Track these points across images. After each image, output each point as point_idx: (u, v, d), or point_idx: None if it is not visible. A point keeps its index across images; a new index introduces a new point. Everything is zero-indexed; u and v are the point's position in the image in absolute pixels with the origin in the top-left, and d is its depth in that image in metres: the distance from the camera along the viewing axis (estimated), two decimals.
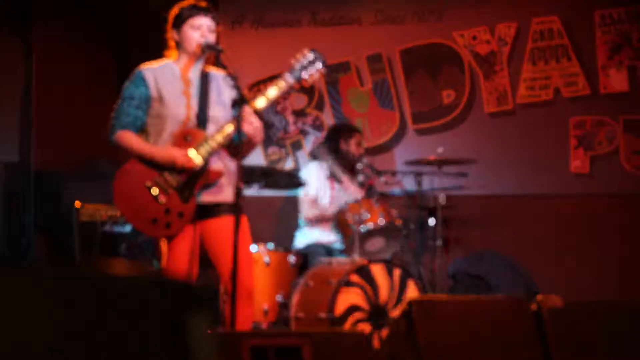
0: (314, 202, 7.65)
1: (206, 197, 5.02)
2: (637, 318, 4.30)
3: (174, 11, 5.12)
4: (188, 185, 4.95)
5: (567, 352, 4.02)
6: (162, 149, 4.95)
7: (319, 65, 5.09)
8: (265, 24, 8.99)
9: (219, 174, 5.01)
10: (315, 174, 7.68)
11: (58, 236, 7.58)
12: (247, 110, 4.83)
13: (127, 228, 7.25)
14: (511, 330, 4.04)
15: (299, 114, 8.98)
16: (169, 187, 4.94)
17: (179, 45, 5.10)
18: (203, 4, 5.12)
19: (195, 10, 5.06)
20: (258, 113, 4.84)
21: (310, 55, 5.08)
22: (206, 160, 4.96)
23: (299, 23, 8.94)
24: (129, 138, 5.00)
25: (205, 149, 4.94)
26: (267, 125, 8.84)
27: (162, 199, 4.93)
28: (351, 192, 7.52)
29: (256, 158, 8.61)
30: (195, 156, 4.93)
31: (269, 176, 7.07)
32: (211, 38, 5.04)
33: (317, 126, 8.92)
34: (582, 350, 4.07)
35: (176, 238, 4.99)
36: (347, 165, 7.70)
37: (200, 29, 5.02)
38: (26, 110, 8.02)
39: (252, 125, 4.89)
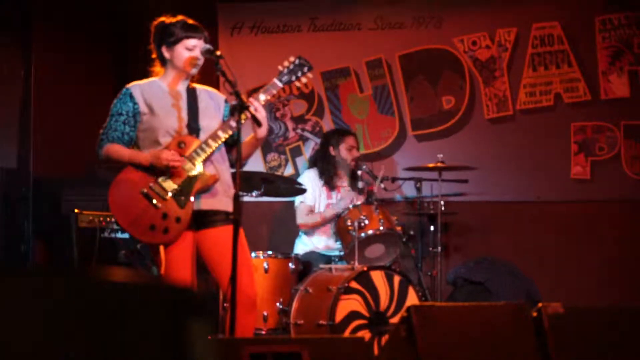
0: (311, 210, 7.65)
1: (202, 204, 5.04)
2: (637, 324, 4.28)
3: (164, 27, 5.13)
4: (184, 190, 4.97)
5: (568, 359, 4.00)
6: (147, 153, 4.99)
7: (305, 69, 5.24)
8: (265, 29, 8.98)
9: (213, 179, 5.03)
10: (310, 182, 7.68)
11: (57, 243, 7.56)
12: (256, 102, 4.92)
13: (126, 234, 7.24)
14: (511, 336, 4.02)
15: (299, 120, 8.97)
16: (165, 192, 4.95)
17: (167, 62, 5.14)
18: (196, 24, 5.15)
19: (190, 32, 5.10)
20: (256, 121, 4.86)
21: (296, 61, 5.23)
22: (200, 166, 4.99)
23: (299, 29, 8.94)
24: (115, 149, 5.06)
25: (198, 153, 4.97)
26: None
27: (159, 204, 4.93)
28: (348, 200, 7.50)
29: (255, 164, 8.60)
30: (188, 167, 4.96)
31: (269, 182, 7.06)
32: (201, 61, 5.11)
33: (317, 132, 8.90)
34: (582, 356, 4.06)
35: (173, 244, 4.99)
36: (337, 170, 7.70)
37: (194, 51, 5.08)
38: (25, 117, 8.01)
39: (260, 115, 4.94)
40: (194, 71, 5.12)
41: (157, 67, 5.20)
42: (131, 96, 5.06)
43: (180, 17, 5.16)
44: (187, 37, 5.06)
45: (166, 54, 5.11)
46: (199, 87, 5.25)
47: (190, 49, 5.06)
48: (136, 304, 1.74)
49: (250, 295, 5.01)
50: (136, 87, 5.12)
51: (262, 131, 5.08)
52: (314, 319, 6.36)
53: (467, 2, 8.70)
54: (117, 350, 1.68)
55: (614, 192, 8.33)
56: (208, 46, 5.04)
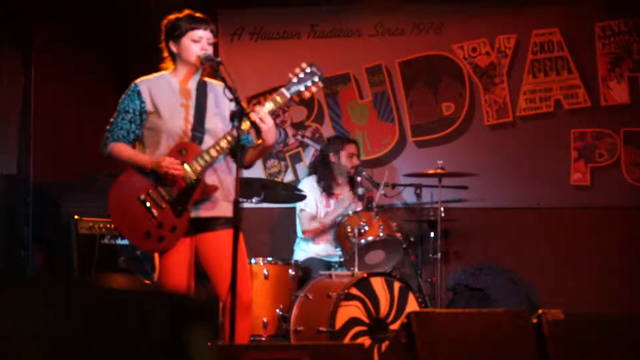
0: (314, 217, 7.65)
1: (200, 212, 5.01)
2: (637, 330, 4.28)
3: (171, 22, 5.11)
4: (182, 199, 4.93)
5: None
6: (151, 157, 4.95)
7: (316, 79, 5.07)
8: (265, 36, 8.99)
9: (213, 188, 4.99)
10: (310, 189, 7.68)
11: (56, 249, 7.56)
12: (261, 110, 4.83)
13: (126, 241, 7.23)
14: (511, 343, 4.02)
15: (299, 126, 8.97)
16: (163, 200, 4.93)
17: (176, 57, 5.10)
18: (201, 16, 5.11)
19: (195, 23, 5.05)
20: (256, 128, 4.82)
21: (308, 69, 5.06)
22: (200, 175, 4.95)
23: (299, 35, 8.94)
24: (120, 149, 5.02)
25: (199, 163, 4.92)
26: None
27: (156, 213, 4.92)
28: (348, 201, 7.52)
29: (255, 171, 8.59)
30: (187, 176, 4.92)
31: (268, 189, 7.05)
32: (210, 51, 5.05)
33: (317, 138, 8.91)
34: None
35: (169, 251, 4.98)
36: (335, 177, 7.70)
37: (200, 42, 5.02)
38: (25, 122, 8.01)
39: (265, 125, 4.87)
40: (204, 63, 5.03)
41: (168, 64, 5.16)
42: (139, 93, 5.01)
43: (187, 12, 5.13)
44: (192, 29, 5.02)
45: (174, 49, 5.07)
46: (211, 82, 5.18)
47: (197, 41, 5.00)
48: (135, 312, 1.73)
49: (245, 299, 5.00)
50: (144, 83, 5.07)
51: (270, 139, 4.99)
52: (314, 326, 6.35)
53: (467, 8, 8.70)
54: (117, 356, 1.68)
55: (614, 198, 8.33)
56: (208, 52, 5.01)
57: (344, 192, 7.73)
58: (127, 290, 1.75)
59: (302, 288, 6.75)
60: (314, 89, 5.09)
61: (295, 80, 5.04)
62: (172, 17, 5.13)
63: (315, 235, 7.63)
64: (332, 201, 7.75)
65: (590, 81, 8.44)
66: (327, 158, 7.78)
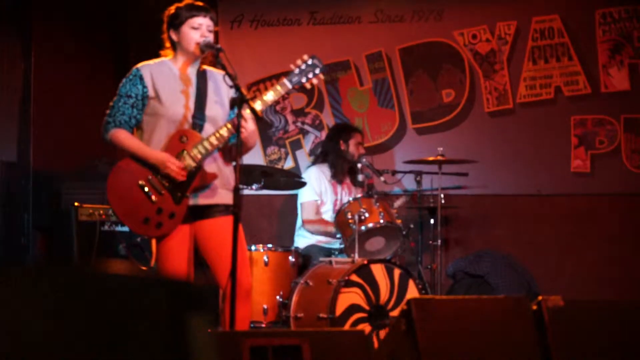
0: (317, 208, 7.64)
1: (199, 200, 5.02)
2: (637, 318, 4.28)
3: (171, 11, 5.11)
4: (181, 186, 4.94)
5: (567, 352, 4.00)
6: (157, 152, 4.94)
7: (317, 71, 5.10)
8: (265, 23, 8.98)
9: (213, 176, 5.00)
10: (315, 179, 7.66)
11: (57, 236, 7.56)
12: (243, 114, 4.82)
13: (126, 227, 7.23)
14: (511, 330, 4.02)
15: (299, 113, 8.97)
16: (162, 187, 4.93)
17: (176, 45, 5.10)
18: (201, 4, 5.12)
19: (194, 10, 5.05)
20: (256, 115, 4.82)
21: (310, 61, 5.09)
22: (200, 162, 4.95)
23: (299, 22, 8.93)
24: (123, 136, 5.00)
25: (199, 150, 4.93)
26: (267, 125, 8.84)
27: (155, 199, 4.92)
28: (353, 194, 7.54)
29: (255, 157, 8.60)
30: (187, 163, 4.92)
31: (269, 176, 7.06)
32: (210, 38, 5.05)
33: (317, 125, 8.90)
34: (582, 350, 4.06)
35: (166, 238, 4.98)
36: (346, 165, 7.69)
37: (200, 29, 5.02)
38: (25, 110, 8.01)
39: (246, 130, 4.88)
40: (204, 50, 5.02)
41: (167, 52, 5.16)
42: (141, 78, 5.00)
43: (187, 1, 5.13)
44: (192, 16, 5.01)
45: (174, 37, 5.07)
46: (211, 70, 5.18)
47: (196, 28, 5.00)
48: (135, 298, 1.74)
49: (245, 286, 5.02)
50: (146, 68, 5.06)
51: (251, 142, 5.08)
52: (314, 312, 6.36)
53: None
54: (118, 344, 1.69)
55: (614, 185, 8.33)
56: (208, 39, 5.02)
57: (347, 182, 7.73)
58: (127, 277, 1.75)
59: (302, 275, 6.77)
60: (314, 80, 5.12)
61: (297, 71, 5.07)
62: (173, 6, 5.14)
63: (314, 229, 7.61)
64: (339, 188, 7.74)
65: (591, 68, 8.44)
66: (338, 145, 7.76)
